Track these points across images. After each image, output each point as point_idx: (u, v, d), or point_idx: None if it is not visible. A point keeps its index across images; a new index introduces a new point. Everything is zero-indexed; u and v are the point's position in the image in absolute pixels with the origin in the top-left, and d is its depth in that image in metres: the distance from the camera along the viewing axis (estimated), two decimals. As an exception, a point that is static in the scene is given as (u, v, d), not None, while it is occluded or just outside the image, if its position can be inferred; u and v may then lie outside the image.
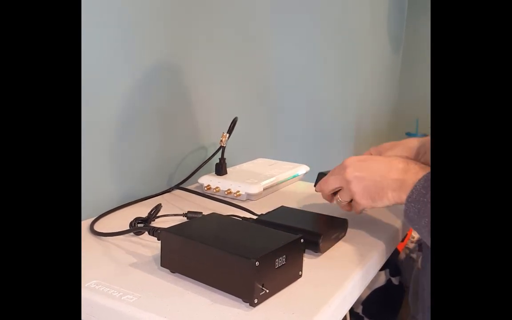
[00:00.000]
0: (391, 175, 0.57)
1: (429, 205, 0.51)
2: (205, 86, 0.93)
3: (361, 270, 0.53)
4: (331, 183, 0.63)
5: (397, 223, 0.68)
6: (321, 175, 0.68)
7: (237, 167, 0.90)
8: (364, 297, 1.32)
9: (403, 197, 0.54)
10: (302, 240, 0.49)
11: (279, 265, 0.46)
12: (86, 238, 0.59)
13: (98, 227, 0.62)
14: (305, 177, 0.93)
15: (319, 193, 0.66)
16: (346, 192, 0.61)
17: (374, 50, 1.89)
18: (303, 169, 0.91)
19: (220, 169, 0.83)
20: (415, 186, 0.53)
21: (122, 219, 0.66)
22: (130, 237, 0.60)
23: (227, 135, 0.85)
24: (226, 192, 0.78)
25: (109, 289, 0.46)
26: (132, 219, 0.63)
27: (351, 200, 0.62)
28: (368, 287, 1.32)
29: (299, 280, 0.49)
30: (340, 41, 1.55)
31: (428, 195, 0.51)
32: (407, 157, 0.64)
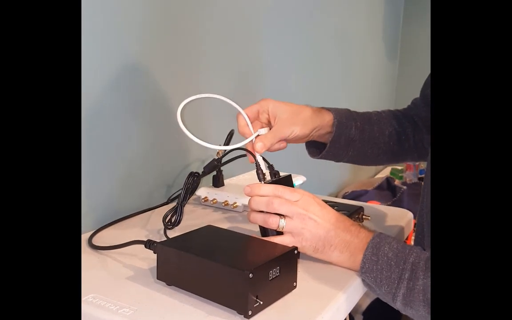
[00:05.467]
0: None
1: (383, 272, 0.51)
2: (202, 99, 0.94)
3: (356, 281, 0.54)
4: (276, 204, 0.56)
5: (395, 229, 0.69)
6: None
7: (234, 178, 0.91)
8: (365, 306, 1.32)
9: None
10: (296, 252, 0.50)
11: (273, 277, 0.46)
12: (84, 252, 0.60)
13: (96, 240, 0.63)
14: (301, 187, 0.93)
15: None
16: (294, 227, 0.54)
17: (370, 58, 1.91)
18: (299, 179, 0.92)
19: (217, 181, 0.83)
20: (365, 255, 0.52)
21: (120, 232, 0.66)
22: (127, 250, 0.60)
23: (224, 147, 0.85)
24: (223, 204, 0.79)
25: (106, 302, 0.47)
26: (131, 232, 0.63)
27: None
28: (369, 297, 1.31)
29: (293, 291, 0.50)
30: (336, 49, 1.57)
31: (380, 262, 0.51)
32: None
